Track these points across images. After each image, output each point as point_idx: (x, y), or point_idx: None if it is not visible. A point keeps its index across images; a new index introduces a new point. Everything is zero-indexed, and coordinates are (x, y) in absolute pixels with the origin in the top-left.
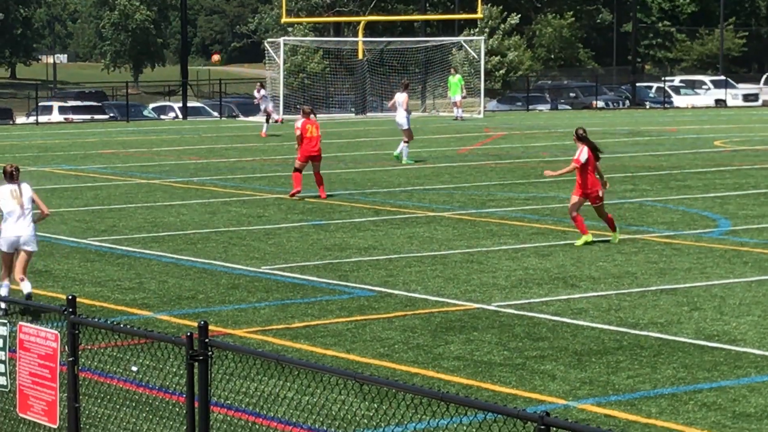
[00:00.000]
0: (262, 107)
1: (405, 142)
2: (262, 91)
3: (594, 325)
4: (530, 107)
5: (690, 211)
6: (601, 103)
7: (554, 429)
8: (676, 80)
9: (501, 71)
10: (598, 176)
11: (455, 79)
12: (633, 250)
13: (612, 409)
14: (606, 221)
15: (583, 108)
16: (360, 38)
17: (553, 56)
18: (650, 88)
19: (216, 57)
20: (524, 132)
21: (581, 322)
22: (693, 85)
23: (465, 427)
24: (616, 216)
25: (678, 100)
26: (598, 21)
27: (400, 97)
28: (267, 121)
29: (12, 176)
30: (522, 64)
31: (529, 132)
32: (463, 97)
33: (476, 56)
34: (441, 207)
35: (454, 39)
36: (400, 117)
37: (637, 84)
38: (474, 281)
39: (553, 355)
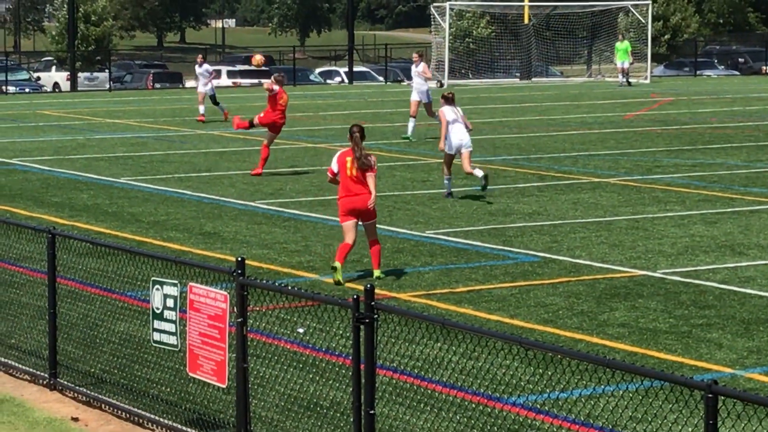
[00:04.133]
0: (204, 85)
1: (413, 116)
2: (205, 65)
3: (762, 293)
4: (698, 72)
5: None
6: None
7: (722, 398)
8: None
9: (666, 36)
10: None
11: (623, 45)
12: None
13: None
14: None
15: (753, 74)
16: (526, 2)
17: (722, 21)
18: None
19: (257, 58)
20: (691, 98)
21: (749, 291)
22: None
23: (631, 395)
24: None
25: None
26: None
27: (418, 69)
28: (213, 102)
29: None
30: (689, 28)
31: (697, 98)
32: (631, 63)
33: (643, 20)
34: (606, 173)
35: (621, 3)
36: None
37: None
38: (639, 248)
39: (719, 324)
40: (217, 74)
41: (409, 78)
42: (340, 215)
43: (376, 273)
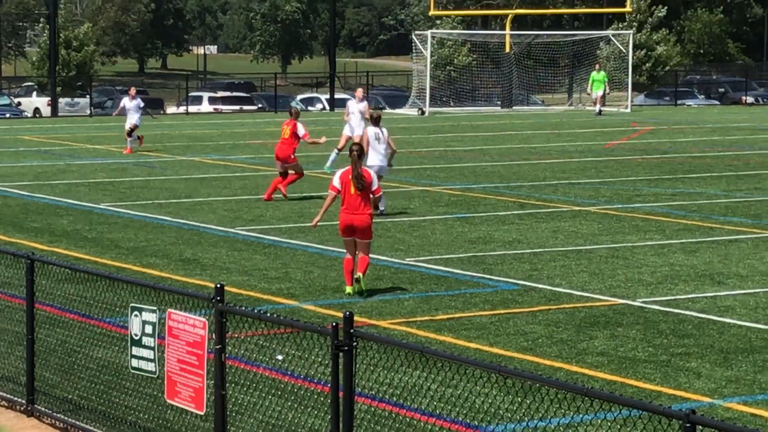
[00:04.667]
0: (133, 117)
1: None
2: (137, 100)
3: (741, 323)
4: (678, 102)
5: None
6: (750, 99)
7: (700, 427)
8: None
9: (648, 65)
10: None
11: (599, 76)
12: None
13: (758, 408)
14: None
15: (732, 103)
16: (507, 31)
17: (702, 51)
18: None
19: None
20: (672, 127)
21: (728, 320)
22: None
23: (609, 423)
24: (766, 213)
25: None
26: (748, 16)
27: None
28: (130, 134)
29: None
30: (670, 59)
31: (677, 127)
32: (607, 93)
33: (624, 50)
34: (587, 201)
35: (602, 33)
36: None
37: None
38: (619, 277)
39: (698, 353)
40: (198, 100)
41: (391, 105)
42: (340, 231)
43: (358, 275)
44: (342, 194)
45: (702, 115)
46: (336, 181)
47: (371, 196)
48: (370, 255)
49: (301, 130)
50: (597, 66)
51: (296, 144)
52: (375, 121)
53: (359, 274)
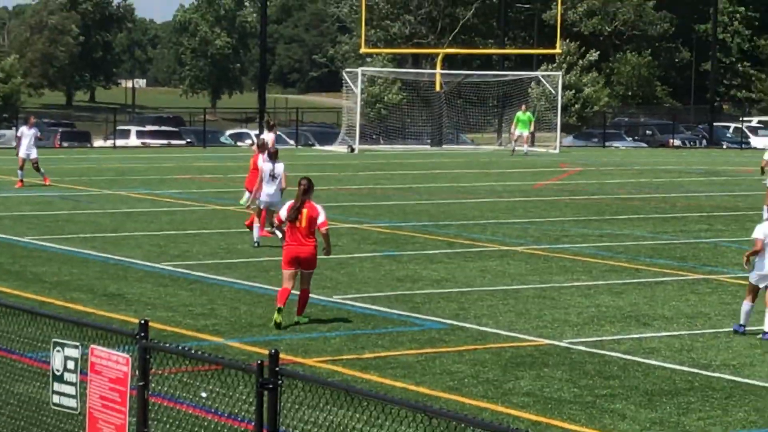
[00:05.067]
0: (31, 149)
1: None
2: (34, 129)
3: (666, 365)
4: (606, 143)
5: None
6: (677, 142)
7: None
8: (754, 121)
9: (577, 106)
10: None
11: (524, 116)
12: (707, 291)
13: None
14: None
15: (660, 146)
16: (438, 70)
17: (630, 93)
18: (728, 128)
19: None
20: (600, 168)
21: (653, 362)
22: None
23: None
24: (691, 255)
25: (756, 141)
26: (676, 60)
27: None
28: (30, 167)
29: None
30: (599, 100)
31: (605, 168)
32: (531, 133)
33: (553, 91)
34: (514, 241)
35: (532, 74)
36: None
37: (715, 123)
38: (546, 317)
39: (623, 394)
40: (126, 134)
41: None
42: (282, 262)
43: (298, 318)
44: (287, 226)
45: (630, 157)
46: (283, 213)
47: (322, 230)
48: (297, 294)
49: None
50: (523, 107)
51: None
52: (272, 156)
53: (298, 318)
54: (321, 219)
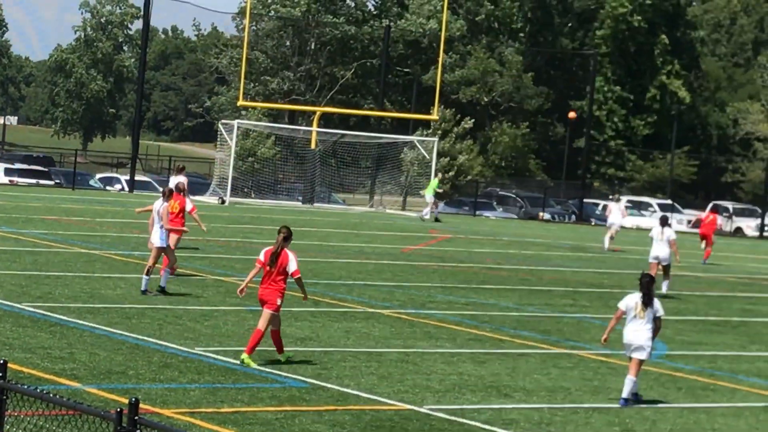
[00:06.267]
0: None
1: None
2: None
3: None
4: (477, 212)
5: None
6: (547, 216)
7: None
8: (624, 200)
9: (450, 173)
10: None
11: (434, 182)
12: (569, 366)
13: None
14: None
15: (529, 218)
16: (314, 128)
17: (504, 164)
18: (597, 205)
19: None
20: (469, 237)
21: None
22: (640, 206)
23: None
24: (555, 329)
25: (624, 220)
26: (551, 134)
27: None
28: None
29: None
30: (472, 169)
31: (474, 237)
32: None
33: (428, 156)
34: (380, 304)
35: (408, 138)
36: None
37: (585, 200)
38: (408, 382)
39: None
40: None
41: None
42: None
43: (282, 357)
44: (264, 269)
45: (499, 227)
46: (261, 256)
47: (292, 277)
48: (158, 343)
49: (188, 205)
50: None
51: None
52: (165, 196)
53: (280, 356)
54: (293, 268)
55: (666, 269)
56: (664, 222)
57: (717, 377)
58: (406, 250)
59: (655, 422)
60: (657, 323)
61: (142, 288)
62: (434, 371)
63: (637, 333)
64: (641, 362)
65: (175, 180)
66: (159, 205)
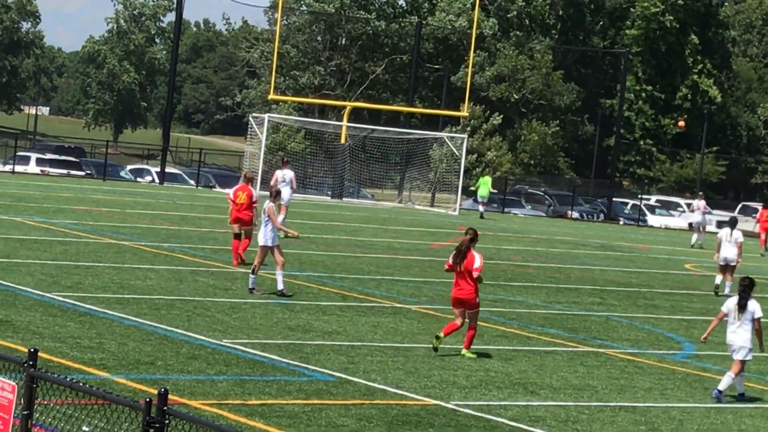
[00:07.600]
0: None
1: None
2: None
3: None
4: (506, 210)
5: (655, 331)
6: (575, 214)
7: None
8: (653, 199)
9: (479, 169)
10: None
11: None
12: (596, 364)
13: None
14: None
15: (558, 216)
16: (344, 123)
17: (533, 162)
18: (626, 204)
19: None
20: (497, 234)
21: (538, 430)
22: (668, 206)
23: None
24: (582, 327)
25: (652, 219)
26: (580, 133)
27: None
28: None
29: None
30: (501, 166)
31: (503, 234)
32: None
33: (457, 153)
34: (408, 299)
35: (438, 134)
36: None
37: (614, 199)
38: (434, 377)
39: None
40: (26, 160)
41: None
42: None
43: (466, 352)
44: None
45: (528, 224)
46: (450, 259)
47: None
48: (187, 335)
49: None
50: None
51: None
52: (272, 195)
53: (464, 351)
54: (476, 265)
55: (731, 270)
56: (733, 224)
57: (744, 378)
58: (435, 246)
59: (682, 422)
60: (756, 324)
61: (249, 286)
62: (461, 367)
63: (736, 334)
64: (743, 362)
65: (281, 173)
66: (266, 204)
